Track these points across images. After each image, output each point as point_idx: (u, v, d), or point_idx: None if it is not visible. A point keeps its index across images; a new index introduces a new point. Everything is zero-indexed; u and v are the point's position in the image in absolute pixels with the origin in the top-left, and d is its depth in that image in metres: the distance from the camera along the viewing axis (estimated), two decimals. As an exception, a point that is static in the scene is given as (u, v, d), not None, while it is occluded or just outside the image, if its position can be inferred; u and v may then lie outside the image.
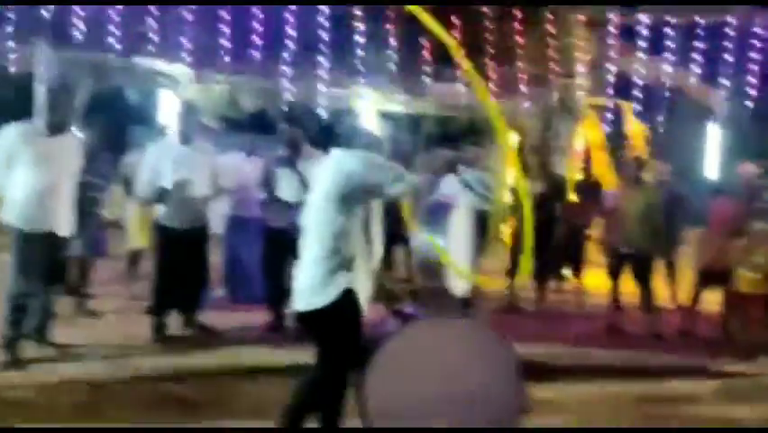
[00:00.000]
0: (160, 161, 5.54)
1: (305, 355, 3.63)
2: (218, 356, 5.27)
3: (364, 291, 3.50)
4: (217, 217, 6.55)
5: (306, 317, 3.46)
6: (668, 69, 11.44)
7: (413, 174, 3.61)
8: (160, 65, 10.61)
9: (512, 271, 7.30)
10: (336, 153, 3.52)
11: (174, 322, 5.77)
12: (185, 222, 5.57)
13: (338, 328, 3.41)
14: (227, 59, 10.09)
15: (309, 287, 3.41)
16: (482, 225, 6.76)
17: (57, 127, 4.86)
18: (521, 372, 3.63)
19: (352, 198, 3.37)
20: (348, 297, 3.38)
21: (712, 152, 12.90)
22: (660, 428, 3.05)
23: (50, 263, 4.94)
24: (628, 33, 11.55)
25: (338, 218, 3.37)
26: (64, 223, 4.97)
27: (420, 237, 4.09)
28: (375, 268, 3.62)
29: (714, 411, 4.76)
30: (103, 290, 6.70)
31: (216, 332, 5.86)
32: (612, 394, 4.94)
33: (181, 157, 5.55)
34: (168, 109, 11.99)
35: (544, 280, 7.52)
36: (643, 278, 6.75)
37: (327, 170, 3.48)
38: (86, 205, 5.73)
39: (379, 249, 3.61)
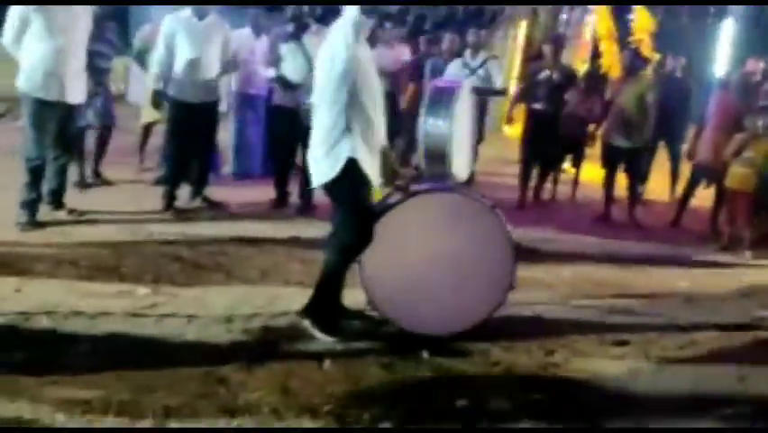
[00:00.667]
0: (175, 36, 5.60)
1: (308, 228, 3.88)
2: (225, 228, 5.52)
3: (370, 166, 3.66)
4: (225, 95, 6.64)
5: (324, 188, 3.71)
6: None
7: None
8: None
9: (525, 160, 7.29)
10: (335, 33, 3.62)
11: (183, 194, 6.01)
12: (198, 97, 5.69)
13: (348, 194, 3.66)
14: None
15: (318, 162, 3.64)
16: (482, 111, 6.89)
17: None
18: (510, 241, 3.85)
19: (345, 75, 3.50)
20: (352, 165, 3.57)
21: (724, 49, 12.70)
22: (661, 428, 3.36)
23: (62, 130, 5.14)
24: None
25: (339, 95, 3.52)
26: (76, 91, 5.10)
27: (426, 123, 4.19)
28: (381, 143, 3.76)
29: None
30: (114, 161, 6.90)
31: (224, 205, 6.10)
32: (595, 277, 5.25)
33: (197, 32, 5.62)
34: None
35: (548, 170, 7.50)
36: (631, 169, 6.95)
37: (324, 48, 3.62)
38: (95, 75, 5.84)
39: (382, 124, 3.76)
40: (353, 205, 3.70)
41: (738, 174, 6.26)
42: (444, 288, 3.84)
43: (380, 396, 3.20)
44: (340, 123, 3.56)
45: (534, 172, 7.40)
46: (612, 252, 5.99)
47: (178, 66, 5.64)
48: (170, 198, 5.82)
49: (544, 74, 6.92)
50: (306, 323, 3.72)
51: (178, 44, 5.60)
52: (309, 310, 3.75)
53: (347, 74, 3.51)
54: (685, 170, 7.48)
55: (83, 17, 5.12)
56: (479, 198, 4.03)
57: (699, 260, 6.07)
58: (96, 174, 6.53)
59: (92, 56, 5.51)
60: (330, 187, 3.69)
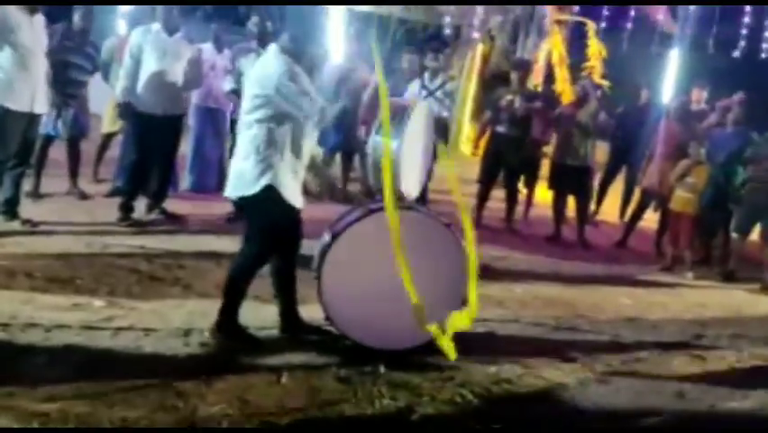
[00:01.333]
0: (143, 49, 5.63)
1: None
2: (182, 241, 5.52)
3: (293, 189, 3.79)
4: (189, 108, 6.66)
5: (235, 202, 3.88)
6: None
7: (325, 108, 3.84)
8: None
9: (485, 180, 7.43)
10: (270, 54, 3.75)
11: (140, 206, 5.98)
12: (161, 109, 5.70)
13: (260, 217, 3.79)
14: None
15: (238, 176, 3.75)
16: (443, 132, 7.04)
17: (32, 6, 4.97)
18: (465, 259, 3.97)
19: (272, 99, 3.63)
20: (269, 191, 3.68)
21: (670, 78, 13.23)
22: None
23: (25, 140, 5.12)
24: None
25: (267, 116, 3.65)
26: (40, 101, 5.14)
27: (375, 139, 4.29)
28: (305, 164, 3.89)
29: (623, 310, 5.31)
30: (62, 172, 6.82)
31: (182, 219, 6.09)
32: (545, 295, 5.43)
33: (165, 46, 5.66)
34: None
35: (514, 192, 7.57)
36: (579, 190, 7.20)
37: (257, 69, 3.76)
38: (69, 87, 5.90)
39: (310, 145, 3.90)
40: (261, 225, 3.82)
41: (681, 198, 6.58)
42: (401, 303, 3.92)
43: (338, 410, 3.27)
44: (264, 143, 3.66)
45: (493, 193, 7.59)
46: (561, 271, 6.20)
47: (144, 78, 5.65)
48: (127, 210, 5.78)
49: (509, 99, 7.12)
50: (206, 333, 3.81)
51: (145, 57, 5.62)
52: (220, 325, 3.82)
53: (277, 98, 3.63)
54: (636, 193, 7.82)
55: (43, 28, 5.17)
56: (434, 216, 4.15)
57: (643, 279, 6.33)
58: (74, 185, 6.45)
59: (68, 67, 5.62)
60: (243, 202, 3.83)
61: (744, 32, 11.92)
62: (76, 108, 6.25)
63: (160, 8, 5.82)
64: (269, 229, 3.84)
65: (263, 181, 3.67)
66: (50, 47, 5.49)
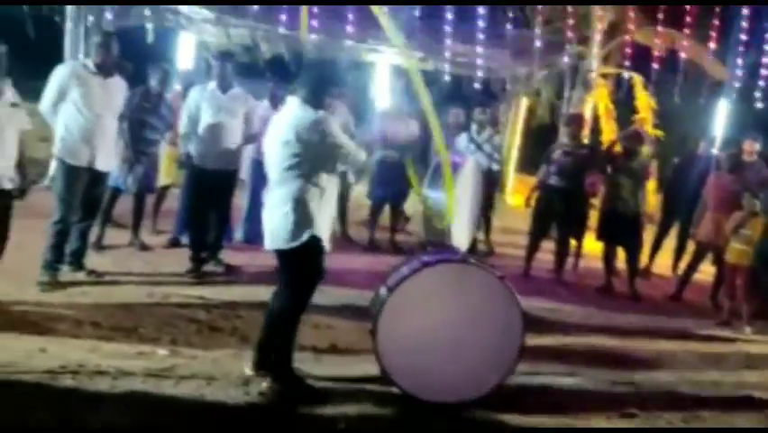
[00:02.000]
0: (199, 107, 5.88)
1: (318, 295, 4.04)
2: (239, 291, 5.64)
3: (327, 233, 3.92)
4: (244, 162, 6.88)
5: (277, 252, 3.93)
6: (683, 42, 11.57)
7: (359, 151, 3.96)
8: (181, 7, 10.76)
9: (535, 232, 7.45)
10: (293, 107, 3.84)
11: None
12: (217, 164, 5.92)
13: (304, 265, 3.88)
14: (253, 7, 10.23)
15: (277, 228, 3.84)
16: (490, 184, 7.14)
17: (106, 69, 5.28)
18: (520, 311, 3.99)
19: (306, 149, 3.73)
20: (311, 240, 3.79)
21: (720, 128, 13.10)
22: (662, 429, 3.50)
23: (89, 195, 5.38)
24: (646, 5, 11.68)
25: (301, 168, 3.75)
26: (105, 159, 5.38)
27: (428, 193, 4.40)
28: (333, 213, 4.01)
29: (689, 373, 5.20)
30: (129, 223, 7.07)
31: (238, 269, 6.23)
32: (600, 348, 5.36)
33: (220, 103, 5.89)
34: (186, 52, 12.20)
35: (566, 244, 7.50)
36: (630, 241, 7.15)
37: (285, 123, 3.81)
38: (143, 144, 6.29)
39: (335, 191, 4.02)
40: (305, 273, 3.90)
41: (737, 250, 6.47)
42: (456, 357, 3.96)
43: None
44: (303, 195, 3.76)
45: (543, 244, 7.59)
46: (615, 323, 6.12)
47: (201, 134, 5.90)
48: (197, 261, 5.95)
49: (560, 152, 7.18)
50: (264, 384, 3.84)
51: (201, 115, 5.88)
52: (269, 370, 3.89)
53: (310, 153, 3.74)
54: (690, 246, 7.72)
55: (118, 90, 5.47)
56: (488, 269, 4.19)
57: (700, 334, 6.19)
58: (135, 236, 6.69)
59: (144, 127, 6.02)
60: (283, 253, 3.90)
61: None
62: (146, 165, 6.57)
63: (214, 67, 6.09)
64: (312, 276, 3.94)
65: (306, 232, 3.78)
66: (130, 107, 5.94)
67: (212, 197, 6.00)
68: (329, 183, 3.89)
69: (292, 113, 3.83)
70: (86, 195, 5.33)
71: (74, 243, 5.44)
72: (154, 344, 4.38)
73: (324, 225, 3.89)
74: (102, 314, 4.75)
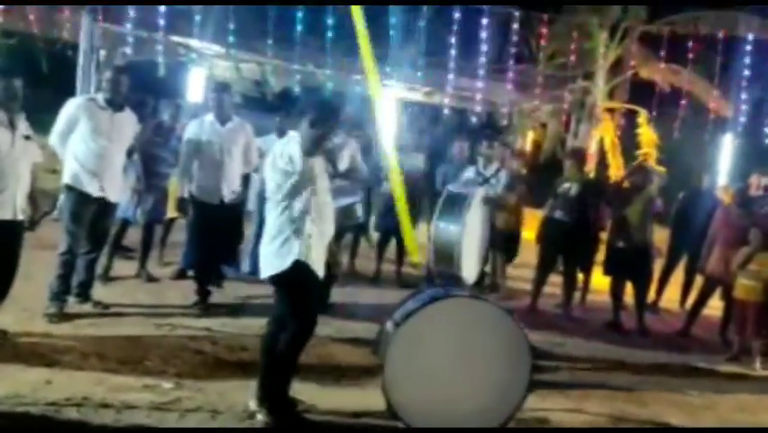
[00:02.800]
0: (198, 141, 5.86)
1: (323, 327, 4.04)
2: (244, 323, 5.59)
3: (318, 263, 3.97)
4: (252, 194, 6.92)
5: (270, 280, 3.99)
6: (686, 77, 11.69)
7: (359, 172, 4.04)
8: (192, 42, 10.95)
9: (541, 266, 7.44)
10: (292, 141, 3.93)
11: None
12: (219, 197, 5.90)
13: (298, 292, 3.93)
14: (268, 41, 10.42)
15: (268, 257, 3.93)
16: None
17: (117, 104, 5.34)
18: (528, 347, 3.98)
19: (297, 178, 3.81)
20: (299, 266, 3.85)
21: (725, 163, 13.14)
22: (660, 429, 3.45)
23: (97, 226, 5.41)
24: (649, 41, 11.83)
25: (293, 200, 3.83)
26: (112, 191, 5.41)
27: (437, 224, 4.41)
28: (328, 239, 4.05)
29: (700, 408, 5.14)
30: (136, 254, 7.10)
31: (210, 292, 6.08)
32: (607, 384, 5.31)
33: (219, 136, 5.88)
34: (197, 86, 12.38)
35: (573, 277, 7.49)
36: (637, 275, 7.13)
37: (282, 150, 3.90)
38: (154, 177, 6.35)
39: (330, 223, 4.06)
40: (300, 300, 3.93)
41: (745, 286, 6.44)
42: (463, 392, 3.94)
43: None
44: (289, 221, 3.84)
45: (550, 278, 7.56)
46: (623, 359, 6.07)
47: (201, 168, 5.88)
48: (203, 294, 5.91)
49: (565, 186, 7.21)
50: (261, 415, 3.86)
51: (200, 148, 5.86)
52: (262, 400, 3.90)
53: (301, 184, 3.83)
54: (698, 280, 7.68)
55: (128, 124, 5.51)
56: (496, 303, 4.19)
57: (710, 370, 6.13)
58: (142, 267, 6.69)
59: (155, 160, 6.06)
60: (274, 281, 3.98)
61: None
62: (156, 196, 6.62)
63: (211, 99, 6.10)
64: (308, 305, 3.96)
65: (289, 258, 3.84)
66: (141, 141, 6.00)
67: (216, 230, 5.94)
68: (324, 210, 3.95)
69: (290, 143, 3.93)
70: (93, 226, 5.36)
71: (81, 274, 5.46)
72: (160, 376, 4.36)
73: (316, 253, 3.93)
74: (108, 346, 4.74)
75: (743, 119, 11.94)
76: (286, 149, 3.88)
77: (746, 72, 11.27)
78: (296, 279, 3.88)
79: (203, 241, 6.05)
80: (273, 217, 3.90)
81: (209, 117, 5.97)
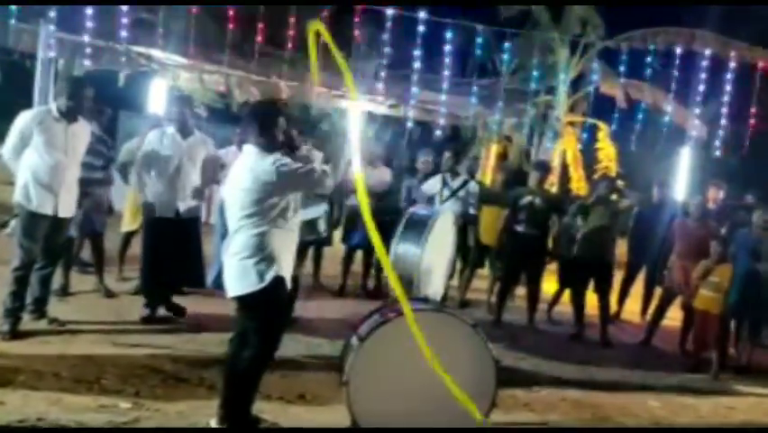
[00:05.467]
0: (158, 152, 5.76)
1: (288, 343, 3.97)
2: (206, 340, 5.47)
3: (289, 273, 3.89)
4: (214, 206, 6.82)
5: (239, 298, 3.84)
6: (646, 91, 11.93)
7: (325, 174, 3.87)
8: (155, 52, 10.80)
9: (504, 280, 7.48)
10: (249, 154, 3.80)
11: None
12: (176, 212, 5.79)
13: (269, 309, 3.82)
14: (227, 52, 10.32)
15: (240, 274, 3.77)
16: (465, 230, 7.16)
17: (71, 115, 5.18)
18: (492, 360, 3.97)
19: (266, 194, 3.70)
20: (276, 282, 3.75)
21: (683, 175, 13.42)
22: (658, 428, 3.47)
23: (51, 242, 5.25)
24: (610, 56, 12.07)
25: (265, 215, 3.71)
26: (66, 205, 5.26)
27: (396, 245, 4.40)
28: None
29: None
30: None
31: (183, 311, 6.04)
32: (571, 397, 5.34)
33: (179, 149, 5.79)
34: (158, 97, 12.20)
35: (536, 291, 7.49)
36: (601, 289, 7.21)
37: (243, 170, 3.77)
38: (85, 186, 5.93)
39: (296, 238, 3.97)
40: (271, 316, 3.84)
41: (705, 298, 6.55)
42: (429, 406, 3.91)
43: None
44: (261, 238, 3.71)
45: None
46: (586, 371, 6.11)
47: (158, 181, 5.77)
48: (151, 309, 5.81)
49: (528, 198, 7.25)
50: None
51: (159, 159, 5.75)
52: (224, 419, 3.81)
53: (270, 198, 3.70)
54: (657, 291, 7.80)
55: (82, 134, 5.35)
56: (461, 317, 4.18)
57: (670, 380, 6.21)
58: (100, 281, 6.53)
59: (84, 168, 5.61)
60: (247, 299, 3.80)
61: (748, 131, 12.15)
62: (87, 207, 6.25)
63: (172, 114, 5.97)
64: (278, 320, 3.90)
65: (270, 273, 3.72)
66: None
67: (172, 245, 5.80)
68: (291, 224, 3.86)
69: (249, 159, 3.79)
70: (47, 241, 5.19)
71: (36, 290, 5.30)
72: (117, 396, 4.24)
73: (287, 266, 3.85)
74: (64, 364, 4.59)
75: (695, 133, 12.23)
76: (259, 164, 3.72)
77: (702, 87, 11.56)
78: (270, 296, 3.77)
79: (154, 255, 5.87)
80: (246, 234, 3.73)
81: (170, 130, 5.87)
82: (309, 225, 4.87)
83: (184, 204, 5.86)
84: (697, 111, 12.09)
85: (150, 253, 5.93)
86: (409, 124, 11.87)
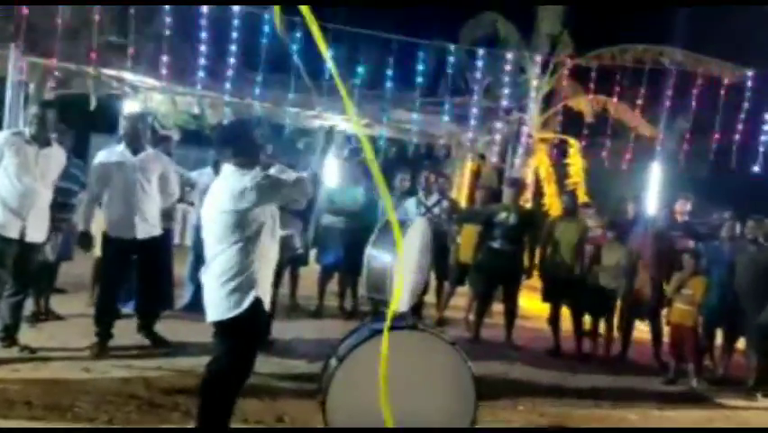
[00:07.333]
0: (108, 173, 5.54)
1: (264, 364, 3.92)
2: (181, 363, 5.41)
3: (266, 295, 3.81)
4: (189, 229, 6.75)
5: (220, 322, 3.75)
6: (613, 107, 12.13)
7: (300, 181, 3.82)
8: (127, 75, 10.74)
9: (480, 296, 7.55)
10: (227, 174, 3.74)
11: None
12: (133, 233, 5.56)
13: (249, 330, 3.75)
14: (200, 74, 10.29)
15: (221, 298, 3.67)
16: (441, 248, 7.18)
17: (43, 139, 5.12)
18: (472, 377, 3.96)
19: (247, 215, 3.62)
20: (256, 303, 3.68)
21: (653, 189, 13.61)
22: (659, 429, 3.46)
23: (21, 268, 5.15)
24: (579, 73, 12.26)
25: (242, 236, 3.62)
26: (37, 230, 5.17)
27: (371, 252, 4.37)
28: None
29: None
30: (66, 294, 6.86)
31: (168, 343, 5.88)
32: (550, 412, 5.34)
33: (131, 167, 5.55)
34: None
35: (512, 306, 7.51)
36: (574, 302, 7.28)
37: (221, 191, 3.69)
38: (59, 210, 5.84)
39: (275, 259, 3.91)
40: (250, 337, 3.79)
41: (679, 310, 6.62)
42: (409, 426, 3.88)
43: None
44: (242, 261, 3.64)
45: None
46: (565, 385, 6.13)
47: (111, 201, 5.57)
48: (102, 337, 5.53)
49: (503, 215, 7.29)
50: None
51: (109, 179, 5.53)
52: None
53: (251, 218, 3.63)
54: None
55: (55, 159, 5.27)
56: (439, 335, 4.17)
57: (648, 393, 6.25)
58: (46, 309, 6.40)
59: (57, 192, 5.49)
60: (226, 322, 3.71)
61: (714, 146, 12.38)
62: (66, 233, 6.20)
63: (122, 129, 5.80)
64: (254, 341, 3.85)
65: (249, 296, 3.65)
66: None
67: (129, 267, 5.66)
68: (271, 245, 3.80)
69: (228, 180, 3.71)
70: (16, 267, 5.09)
71: (5, 318, 5.19)
72: (90, 423, 4.15)
73: (266, 287, 3.79)
74: (35, 392, 4.48)
75: (662, 147, 12.45)
76: (238, 182, 3.63)
77: (669, 102, 11.77)
78: (249, 320, 3.69)
79: (108, 279, 5.71)
80: (225, 257, 3.63)
81: (120, 147, 5.67)
82: (283, 243, 4.82)
83: (143, 225, 5.62)
84: (663, 126, 12.29)
85: (104, 278, 5.76)
86: (381, 144, 11.92)
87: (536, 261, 7.49)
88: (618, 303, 7.27)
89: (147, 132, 5.89)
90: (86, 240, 5.67)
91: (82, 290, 7.11)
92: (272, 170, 4.42)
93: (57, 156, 5.32)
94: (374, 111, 11.23)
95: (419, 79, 11.08)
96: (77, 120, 8.84)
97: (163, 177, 5.77)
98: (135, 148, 5.62)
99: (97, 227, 6.95)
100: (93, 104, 10.46)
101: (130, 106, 11.87)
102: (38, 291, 6.11)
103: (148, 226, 5.64)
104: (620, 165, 12.31)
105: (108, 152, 5.66)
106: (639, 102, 11.65)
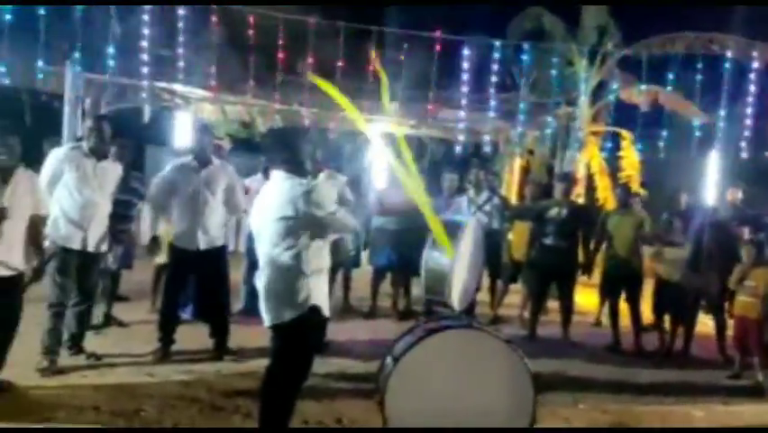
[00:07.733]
0: (175, 183, 5.70)
1: (321, 366, 3.96)
2: (239, 367, 5.52)
3: (324, 301, 3.83)
4: (243, 236, 6.86)
5: (276, 327, 3.79)
6: (668, 96, 11.80)
7: (348, 219, 3.85)
8: (178, 87, 11.00)
9: (535, 293, 7.48)
10: (278, 180, 3.74)
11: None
12: (196, 244, 5.68)
13: (305, 336, 3.79)
14: (250, 83, 10.48)
15: (276, 304, 3.71)
16: (495, 245, 7.13)
17: (101, 153, 5.30)
18: (530, 376, 3.93)
19: (296, 226, 3.63)
20: (311, 311, 3.71)
21: (711, 179, 13.21)
22: (660, 428, 3.37)
23: (84, 277, 5.33)
24: (630, 64, 11.99)
25: (297, 241, 3.64)
26: (98, 241, 5.34)
27: (430, 253, 4.37)
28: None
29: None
30: (129, 302, 7.10)
31: (234, 351, 5.93)
32: (612, 409, 5.24)
33: (197, 179, 5.69)
34: (183, 130, 12.40)
35: (568, 302, 7.41)
36: (632, 297, 7.12)
37: (273, 198, 3.71)
38: (120, 222, 6.02)
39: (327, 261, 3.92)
40: (301, 346, 3.80)
41: (742, 302, 6.40)
42: (467, 423, 3.87)
43: None
44: (296, 266, 3.65)
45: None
46: (624, 381, 6.01)
47: (178, 213, 5.72)
48: (165, 343, 5.69)
49: (554, 211, 7.20)
50: None
51: (178, 191, 5.69)
52: None
53: (302, 225, 3.64)
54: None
55: (112, 172, 5.45)
56: (495, 334, 4.15)
57: (712, 388, 6.07)
58: (110, 316, 6.61)
59: (118, 205, 5.67)
60: (283, 328, 3.73)
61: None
62: (127, 243, 6.44)
63: (191, 141, 5.93)
64: (311, 348, 3.90)
65: (307, 303, 3.69)
66: None
67: (193, 278, 5.81)
68: (323, 249, 3.82)
69: (280, 186, 3.72)
70: (80, 277, 5.28)
71: (72, 326, 5.38)
72: (157, 426, 4.26)
73: (323, 293, 3.82)
74: (102, 398, 4.64)
75: (720, 135, 12.06)
76: (289, 189, 3.64)
77: (725, 89, 11.41)
78: (305, 324, 3.73)
79: (172, 288, 5.83)
80: (278, 263, 3.66)
81: (187, 159, 5.82)
82: (335, 245, 4.87)
83: (206, 237, 5.70)
84: (722, 113, 11.91)
85: (168, 286, 5.90)
86: (428, 144, 11.90)
87: (595, 258, 7.37)
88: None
89: (213, 144, 6.03)
90: (154, 245, 5.86)
91: (143, 297, 7.30)
92: (321, 177, 4.45)
93: (113, 169, 5.50)
94: (420, 111, 11.21)
95: (465, 77, 11.02)
96: (132, 133, 9.09)
97: (228, 188, 5.88)
98: (202, 160, 5.76)
99: (163, 235, 7.19)
100: (146, 116, 10.75)
101: (182, 118, 12.19)
102: (103, 300, 6.30)
103: (210, 238, 5.76)
104: (676, 156, 12.01)
105: (176, 165, 5.82)
106: (696, 88, 11.30)
